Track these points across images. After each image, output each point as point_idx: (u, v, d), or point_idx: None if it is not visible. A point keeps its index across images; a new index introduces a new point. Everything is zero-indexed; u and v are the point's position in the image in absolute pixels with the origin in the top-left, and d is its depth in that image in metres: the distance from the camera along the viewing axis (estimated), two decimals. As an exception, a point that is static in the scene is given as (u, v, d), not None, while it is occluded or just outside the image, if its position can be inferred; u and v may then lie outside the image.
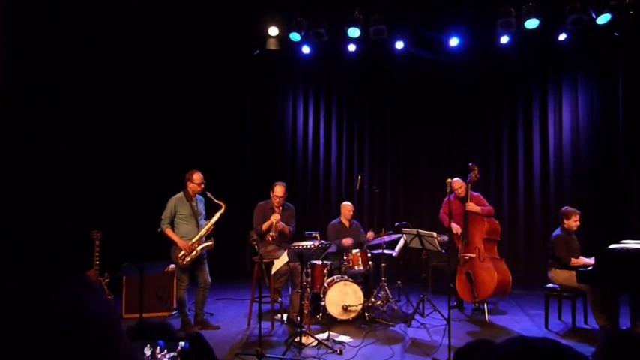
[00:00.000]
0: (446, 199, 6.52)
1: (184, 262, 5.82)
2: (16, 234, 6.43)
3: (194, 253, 5.83)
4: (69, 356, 0.68)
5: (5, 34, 5.70)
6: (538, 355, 0.88)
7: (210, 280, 6.06)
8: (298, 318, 5.36)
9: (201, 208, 6.08)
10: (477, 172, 6.48)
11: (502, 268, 6.27)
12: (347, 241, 6.85)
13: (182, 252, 5.80)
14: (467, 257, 6.42)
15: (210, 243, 5.97)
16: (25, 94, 6.69)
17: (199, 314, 6.06)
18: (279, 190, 6.41)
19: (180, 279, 5.98)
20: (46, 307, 0.67)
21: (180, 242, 5.81)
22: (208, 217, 6.06)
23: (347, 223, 7.19)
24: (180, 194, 5.99)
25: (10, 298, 0.67)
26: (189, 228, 5.90)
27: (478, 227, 6.39)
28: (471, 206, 6.45)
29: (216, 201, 5.95)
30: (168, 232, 5.86)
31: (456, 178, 6.68)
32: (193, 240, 5.84)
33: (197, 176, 5.97)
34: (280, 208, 6.45)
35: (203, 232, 5.91)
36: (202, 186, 5.98)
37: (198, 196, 6.05)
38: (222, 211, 5.97)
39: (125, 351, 0.77)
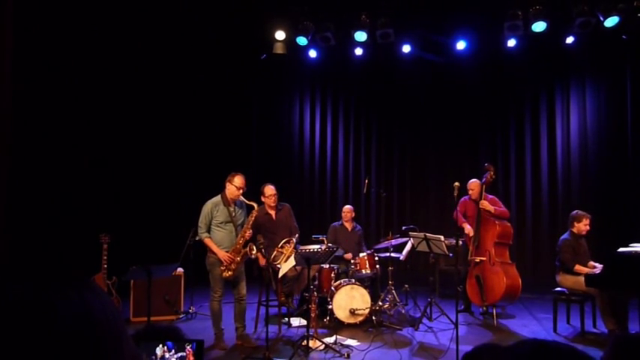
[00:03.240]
0: (463, 198, 6.56)
1: (225, 276, 5.31)
2: (25, 237, 6.46)
3: (233, 265, 5.30)
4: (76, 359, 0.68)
5: (14, 36, 5.73)
6: (553, 356, 0.87)
7: (244, 292, 5.51)
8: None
9: (240, 214, 5.51)
10: (492, 172, 6.47)
11: (512, 272, 6.23)
12: (348, 256, 6.88)
13: (223, 265, 5.28)
14: (477, 260, 6.40)
15: (246, 250, 5.34)
16: (34, 96, 6.73)
17: (239, 328, 5.55)
18: (271, 189, 6.29)
19: (213, 289, 5.40)
20: (53, 310, 0.67)
21: (220, 254, 5.26)
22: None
23: (348, 226, 7.19)
24: (218, 198, 5.42)
25: (16, 301, 0.67)
26: (224, 235, 5.35)
27: (490, 231, 6.35)
28: (485, 204, 6.42)
29: (248, 202, 5.42)
30: (208, 242, 5.32)
31: (473, 179, 6.69)
32: (230, 250, 5.32)
33: (239, 179, 5.33)
34: (274, 210, 6.36)
35: (238, 239, 5.33)
36: (241, 191, 5.34)
37: (239, 202, 5.45)
38: (254, 212, 5.43)
39: (130, 354, 0.78)
